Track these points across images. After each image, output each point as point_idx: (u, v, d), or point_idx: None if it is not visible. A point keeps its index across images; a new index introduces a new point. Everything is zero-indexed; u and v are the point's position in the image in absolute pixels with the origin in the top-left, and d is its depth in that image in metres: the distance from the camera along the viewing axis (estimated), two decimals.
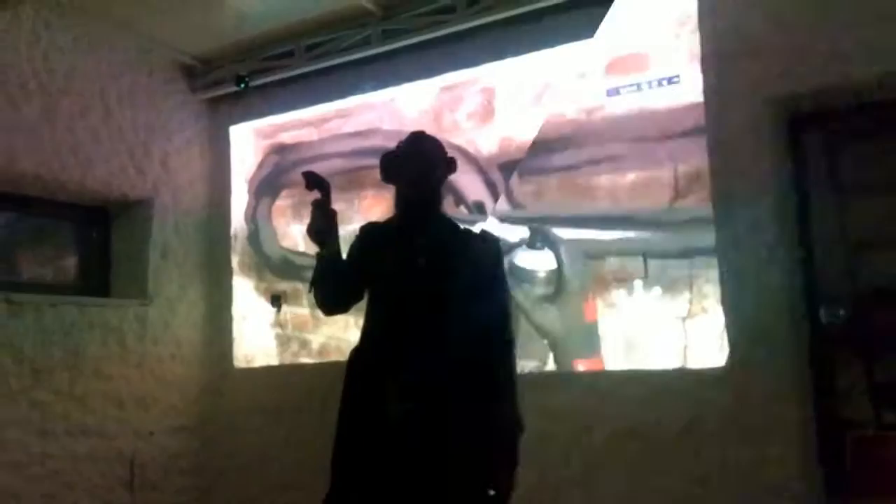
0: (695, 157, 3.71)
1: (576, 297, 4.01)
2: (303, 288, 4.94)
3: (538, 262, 4.16)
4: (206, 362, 5.31)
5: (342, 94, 5.02)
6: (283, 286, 5.21)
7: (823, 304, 3.45)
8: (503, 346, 2.51)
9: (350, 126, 5.08)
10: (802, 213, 3.52)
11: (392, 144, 2.66)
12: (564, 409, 3.82)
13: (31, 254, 4.87)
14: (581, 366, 4.01)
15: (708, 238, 3.62)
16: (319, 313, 2.79)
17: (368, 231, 2.67)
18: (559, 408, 3.79)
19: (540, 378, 4.05)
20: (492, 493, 2.29)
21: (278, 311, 5.13)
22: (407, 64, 4.80)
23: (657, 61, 3.94)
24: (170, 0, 4.49)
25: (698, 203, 3.71)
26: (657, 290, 3.81)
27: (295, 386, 4.88)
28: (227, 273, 5.39)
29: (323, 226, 2.49)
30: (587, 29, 4.28)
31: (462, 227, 2.70)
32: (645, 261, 3.83)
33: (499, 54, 4.56)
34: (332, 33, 4.85)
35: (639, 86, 3.95)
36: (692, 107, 3.72)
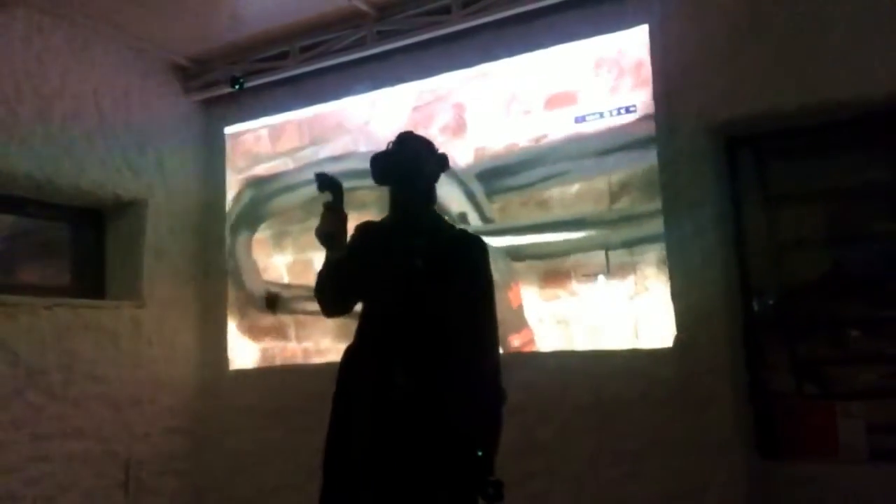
0: (623, 169, 4.29)
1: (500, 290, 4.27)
2: (288, 320, 5.05)
3: None
4: (201, 364, 5.31)
5: (337, 95, 5.05)
6: (268, 322, 5.22)
7: (755, 295, 4.05)
8: (490, 333, 2.59)
9: (325, 152, 5.13)
10: (738, 220, 4.08)
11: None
12: (538, 383, 4.13)
13: (26, 256, 4.86)
14: (515, 340, 4.46)
15: (644, 230, 4.18)
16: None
17: (364, 230, 2.69)
18: (533, 383, 4.07)
19: (517, 358, 4.36)
20: (479, 453, 2.40)
21: (274, 313, 5.13)
22: (402, 65, 4.84)
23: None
24: (163, 1, 4.50)
25: (631, 204, 4.27)
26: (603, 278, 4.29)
27: (290, 387, 4.88)
28: (222, 274, 5.39)
29: (333, 229, 2.51)
30: (580, 29, 4.36)
31: (456, 227, 2.74)
32: (607, 255, 4.27)
33: (493, 55, 4.61)
34: (326, 34, 4.87)
35: (601, 114, 4.35)
36: (617, 129, 4.29)
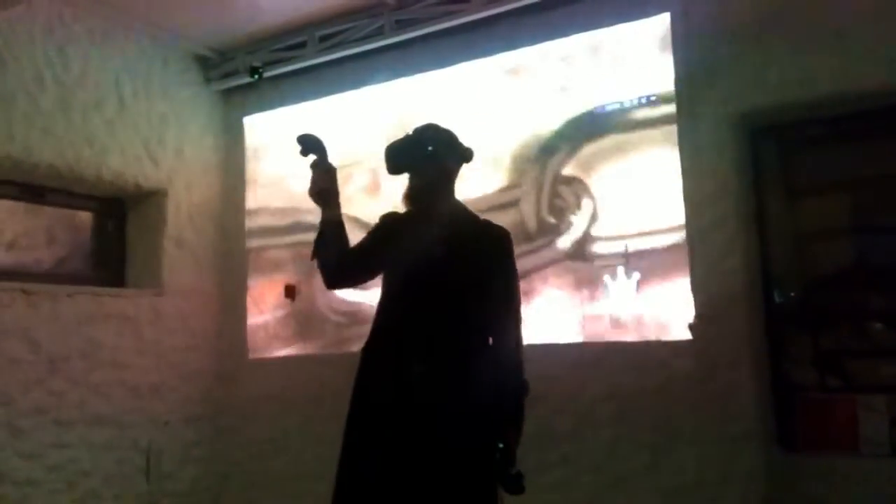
0: None
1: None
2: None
3: None
4: (221, 352, 5.33)
5: (355, 84, 5.03)
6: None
7: (777, 286, 4.00)
8: (514, 325, 2.59)
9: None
10: (759, 210, 4.03)
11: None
12: (555, 376, 4.09)
13: (47, 244, 4.88)
14: None
15: None
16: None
17: (388, 220, 2.68)
18: (551, 375, 4.00)
19: (534, 350, 4.21)
20: (501, 445, 2.41)
21: (292, 301, 5.14)
22: (421, 54, 4.81)
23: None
24: None
25: None
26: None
27: (309, 376, 4.90)
28: (242, 263, 5.40)
29: (325, 185, 2.52)
30: (601, 18, 4.32)
31: (479, 217, 2.72)
32: (626, 248, 4.20)
33: (513, 44, 4.57)
34: (345, 24, 4.84)
35: (622, 104, 4.30)
36: None
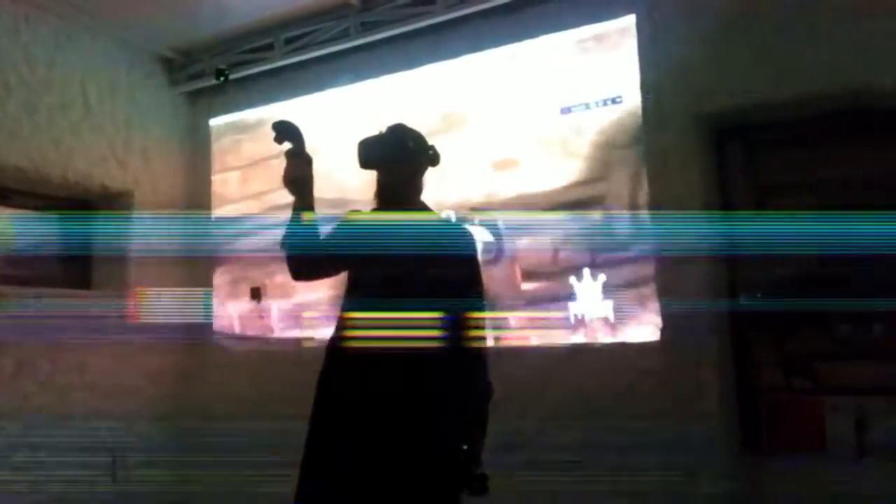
0: None
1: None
2: None
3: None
4: (187, 352, 5.32)
5: (321, 86, 5.03)
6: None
7: (743, 289, 3.99)
8: (476, 329, 2.55)
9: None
10: (726, 212, 4.02)
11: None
12: (521, 376, 4.11)
13: (14, 246, 4.85)
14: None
15: None
16: None
17: (352, 219, 2.64)
18: (517, 375, 4.03)
19: (500, 350, 4.33)
20: (465, 447, 2.39)
21: (258, 303, 5.13)
22: (387, 56, 4.80)
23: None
24: None
25: None
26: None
27: (276, 374, 4.88)
28: (208, 264, 5.40)
29: (300, 173, 2.49)
30: (568, 18, 4.33)
31: (442, 216, 2.70)
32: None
33: (478, 45, 4.56)
34: (311, 25, 4.84)
35: (587, 105, 4.31)
36: None
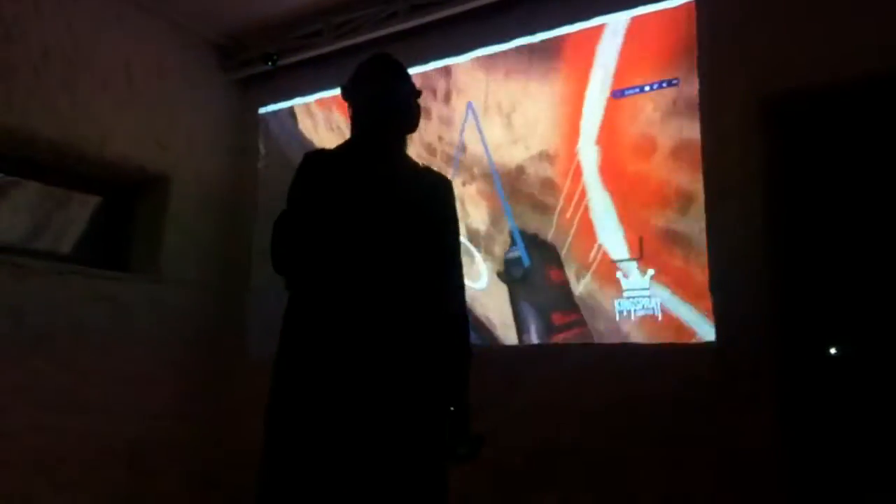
0: None
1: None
2: None
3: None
4: (218, 350, 5.08)
5: None
6: None
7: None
8: (457, 280, 2.36)
9: None
10: (789, 204, 3.69)
11: None
12: (557, 379, 3.90)
13: (44, 221, 4.76)
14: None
15: None
16: None
17: (313, 160, 2.29)
18: (552, 378, 3.89)
19: (532, 350, 4.16)
20: (452, 409, 2.23)
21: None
22: (437, 41, 4.63)
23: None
24: None
25: None
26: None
27: None
28: (247, 260, 5.18)
29: None
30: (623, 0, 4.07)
31: (420, 164, 2.42)
32: (640, 242, 3.89)
33: (531, 29, 4.37)
34: (360, 10, 4.71)
35: (642, 88, 4.04)
36: None
